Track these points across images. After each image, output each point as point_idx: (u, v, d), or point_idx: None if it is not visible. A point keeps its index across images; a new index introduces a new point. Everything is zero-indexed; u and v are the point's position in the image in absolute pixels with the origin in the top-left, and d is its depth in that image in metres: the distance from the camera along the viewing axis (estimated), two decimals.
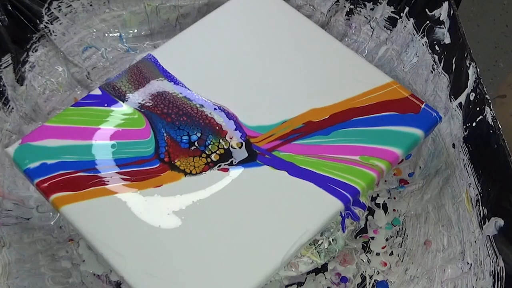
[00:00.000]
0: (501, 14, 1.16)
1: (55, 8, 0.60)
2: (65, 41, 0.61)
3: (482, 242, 0.47)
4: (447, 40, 0.56)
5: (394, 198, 0.58)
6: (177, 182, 0.47)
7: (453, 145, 0.54)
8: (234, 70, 0.54)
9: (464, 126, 0.52)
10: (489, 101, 0.49)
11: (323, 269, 0.54)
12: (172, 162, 0.48)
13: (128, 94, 0.52)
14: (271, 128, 0.50)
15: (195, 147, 0.49)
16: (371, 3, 0.62)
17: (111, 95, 0.52)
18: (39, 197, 0.55)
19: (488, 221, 0.47)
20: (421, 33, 0.59)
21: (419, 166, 0.58)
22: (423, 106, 0.52)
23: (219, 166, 0.48)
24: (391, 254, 0.55)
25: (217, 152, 0.49)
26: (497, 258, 0.45)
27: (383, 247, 0.55)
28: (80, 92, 0.63)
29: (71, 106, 0.51)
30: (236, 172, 0.48)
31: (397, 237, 0.56)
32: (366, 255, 0.55)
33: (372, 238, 0.56)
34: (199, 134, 0.50)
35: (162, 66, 0.54)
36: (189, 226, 0.45)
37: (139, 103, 0.51)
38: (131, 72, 0.53)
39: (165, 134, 0.49)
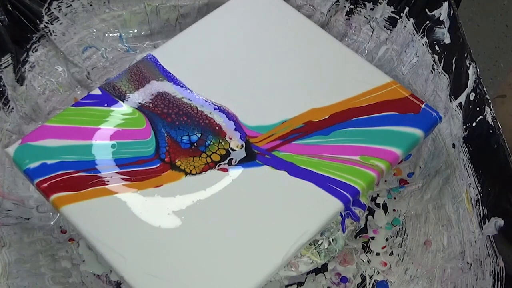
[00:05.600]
0: (501, 14, 1.16)
1: (55, 8, 0.60)
2: (65, 41, 0.61)
3: (482, 242, 0.47)
4: (447, 40, 0.56)
5: (394, 198, 0.58)
6: (177, 182, 0.47)
7: (453, 145, 0.54)
8: (234, 70, 0.54)
9: (464, 126, 0.52)
10: (489, 101, 0.49)
11: (323, 269, 0.54)
12: (173, 162, 0.48)
13: (128, 94, 0.52)
14: (271, 128, 0.50)
15: (195, 147, 0.49)
16: (371, 3, 0.62)
17: (111, 95, 0.52)
18: (39, 197, 0.55)
19: (488, 221, 0.47)
20: (421, 33, 0.59)
21: (419, 166, 0.58)
22: (423, 106, 0.52)
23: (219, 166, 0.48)
24: (391, 254, 0.55)
25: (217, 152, 0.49)
26: (497, 258, 0.45)
27: (383, 247, 0.55)
28: (80, 92, 0.63)
29: (71, 106, 0.51)
30: (236, 172, 0.48)
31: (397, 237, 0.56)
32: (366, 255, 0.55)
33: (372, 238, 0.56)
34: (199, 134, 0.50)
35: (162, 66, 0.54)
36: (189, 226, 0.45)
37: (139, 103, 0.51)
38: (131, 72, 0.53)
39: (165, 134, 0.49)
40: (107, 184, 0.46)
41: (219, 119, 0.51)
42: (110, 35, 0.64)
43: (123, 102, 0.51)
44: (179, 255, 0.44)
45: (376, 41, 0.63)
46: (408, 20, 0.60)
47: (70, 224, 0.46)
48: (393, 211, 0.57)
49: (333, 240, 0.51)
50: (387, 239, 0.56)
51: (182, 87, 0.52)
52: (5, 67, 0.57)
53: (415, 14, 0.59)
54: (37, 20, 0.59)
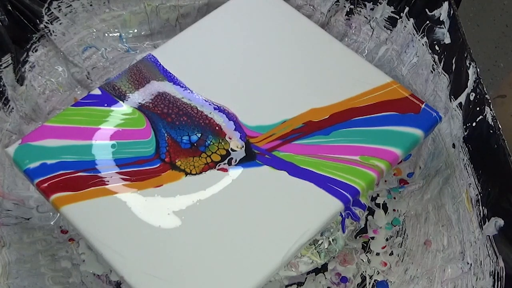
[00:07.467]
0: (501, 14, 1.16)
1: (55, 8, 0.60)
2: (65, 41, 0.61)
3: (482, 242, 0.47)
4: (447, 40, 0.56)
5: (394, 198, 0.58)
6: (177, 182, 0.47)
7: (453, 145, 0.54)
8: (234, 70, 0.54)
9: (464, 126, 0.52)
10: (489, 101, 0.49)
11: (323, 269, 0.54)
12: (173, 162, 0.48)
13: (128, 94, 0.52)
14: (271, 128, 0.50)
15: (195, 147, 0.49)
16: (371, 3, 0.62)
17: (111, 95, 0.52)
18: (39, 197, 0.55)
19: (488, 221, 0.47)
20: (421, 33, 0.59)
21: (419, 166, 0.58)
22: (423, 106, 0.52)
23: (219, 166, 0.48)
24: (391, 254, 0.55)
25: (217, 152, 0.49)
26: (497, 258, 0.45)
27: (383, 247, 0.55)
28: (80, 92, 0.63)
29: (71, 106, 0.51)
30: (236, 172, 0.48)
31: (397, 237, 0.56)
32: (366, 255, 0.55)
33: (372, 238, 0.56)
34: (199, 135, 0.50)
35: (162, 66, 0.54)
36: (189, 226, 0.45)
37: (139, 103, 0.51)
38: (131, 72, 0.53)
39: (165, 134, 0.49)
40: (107, 184, 0.46)
41: (219, 119, 0.51)
42: (110, 35, 0.64)
43: (123, 102, 0.51)
44: (179, 255, 0.44)
45: (376, 41, 0.63)
46: (408, 20, 0.60)
47: (70, 224, 0.46)
48: (393, 211, 0.57)
49: (333, 240, 0.51)
50: (387, 239, 0.56)
51: (182, 87, 0.52)
52: (5, 67, 0.57)
53: (415, 14, 0.59)
54: (37, 20, 0.59)
